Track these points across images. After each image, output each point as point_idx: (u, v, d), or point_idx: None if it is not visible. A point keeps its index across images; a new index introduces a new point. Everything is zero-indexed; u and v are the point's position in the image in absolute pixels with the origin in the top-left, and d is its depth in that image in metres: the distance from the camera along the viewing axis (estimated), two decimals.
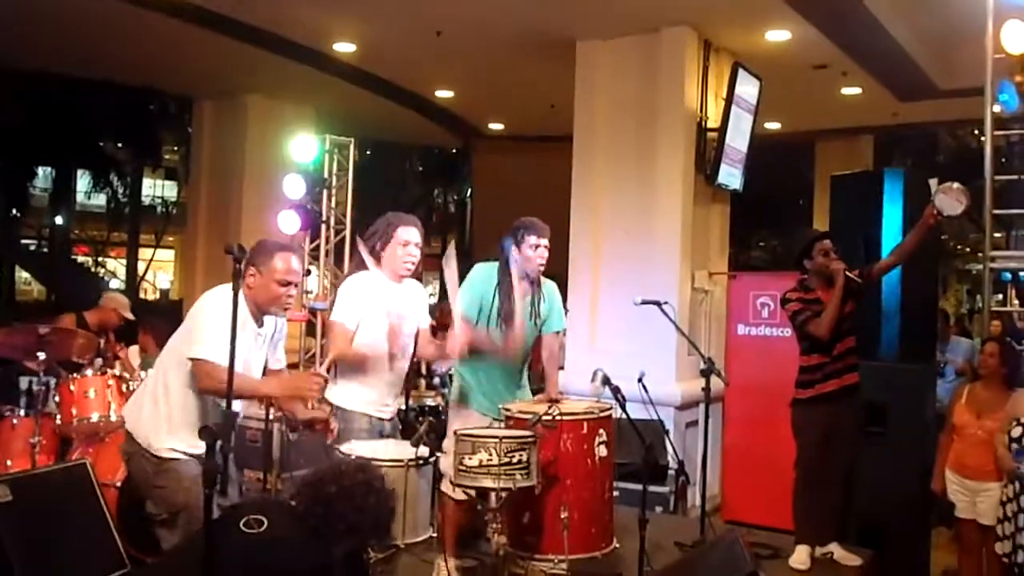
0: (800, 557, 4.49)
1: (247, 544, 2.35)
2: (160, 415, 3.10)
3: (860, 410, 4.65)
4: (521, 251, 4.15)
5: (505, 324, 4.12)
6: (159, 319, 6.10)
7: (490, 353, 4.08)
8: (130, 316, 6.05)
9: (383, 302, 3.82)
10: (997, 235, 6.43)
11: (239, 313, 3.01)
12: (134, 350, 6.02)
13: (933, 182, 4.40)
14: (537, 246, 4.15)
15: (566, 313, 7.20)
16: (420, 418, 4.84)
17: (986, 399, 4.62)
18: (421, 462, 3.20)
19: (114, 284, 23.93)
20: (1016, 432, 4.28)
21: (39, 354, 4.63)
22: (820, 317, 4.47)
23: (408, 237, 3.87)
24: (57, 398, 4.75)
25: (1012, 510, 4.26)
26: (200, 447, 3.02)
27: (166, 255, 27.03)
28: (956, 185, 4.29)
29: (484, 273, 4.21)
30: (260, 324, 3.19)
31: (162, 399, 3.12)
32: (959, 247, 20.89)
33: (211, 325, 3.00)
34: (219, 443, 2.27)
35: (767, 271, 14.75)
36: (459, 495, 3.70)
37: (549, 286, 4.36)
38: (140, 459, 3.11)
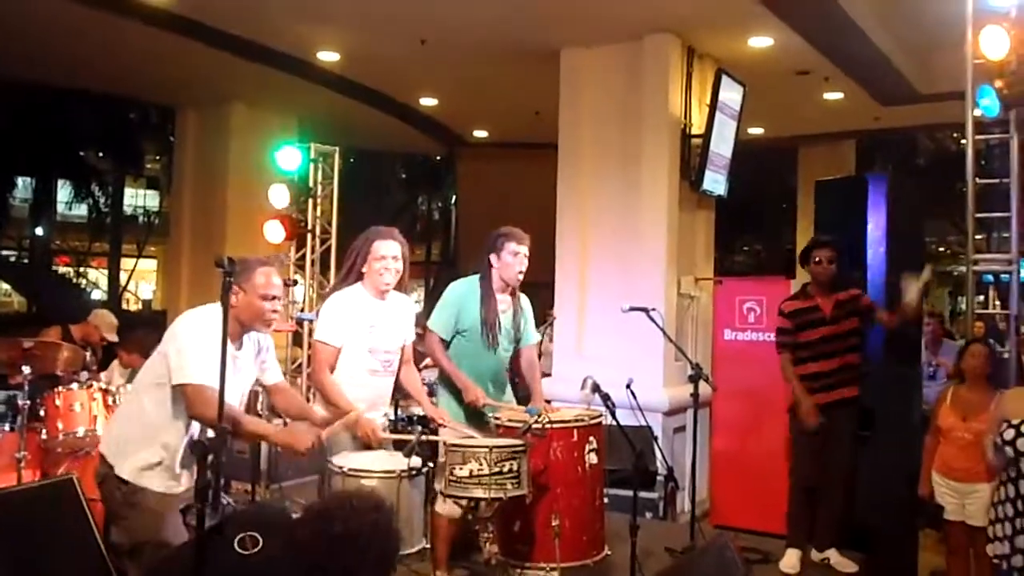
0: (790, 561, 4.51)
1: (239, 565, 2.30)
2: (138, 439, 3.02)
3: (855, 419, 4.66)
4: (500, 259, 4.16)
5: (490, 335, 4.14)
6: (139, 333, 6.06)
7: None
8: (112, 338, 5.92)
9: (366, 320, 3.81)
10: (978, 237, 6.48)
11: (214, 335, 2.95)
12: (113, 365, 5.97)
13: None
14: (516, 253, 4.17)
15: (554, 320, 7.28)
16: (410, 429, 4.82)
17: (972, 401, 4.63)
18: (414, 473, 3.19)
19: (96, 295, 23.78)
20: (1009, 435, 4.29)
21: (23, 368, 4.59)
22: (788, 354, 4.56)
23: (385, 251, 3.83)
24: (42, 412, 4.70)
25: (1006, 512, 4.28)
26: (172, 476, 3.02)
27: (148, 265, 26.88)
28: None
29: (461, 289, 4.24)
30: (239, 346, 3.12)
31: (136, 422, 3.05)
32: (941, 250, 21.08)
33: (195, 348, 2.94)
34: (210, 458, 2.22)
35: (752, 276, 14.83)
36: (453, 511, 3.70)
37: (524, 300, 4.39)
38: (110, 484, 3.03)
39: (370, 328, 3.80)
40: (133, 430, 3.05)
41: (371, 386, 3.83)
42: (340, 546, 2.28)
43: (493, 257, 4.20)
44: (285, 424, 3.78)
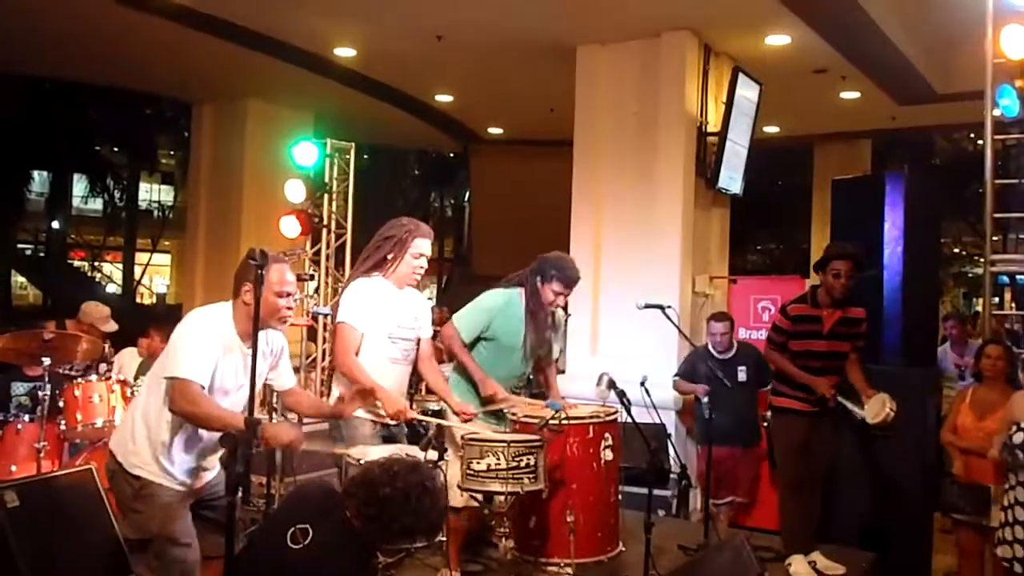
0: (802, 567, 4.46)
1: (294, 560, 2.35)
2: (142, 435, 3.03)
3: (833, 427, 4.62)
4: (544, 292, 4.11)
5: (528, 354, 4.12)
6: (162, 324, 6.06)
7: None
8: (110, 327, 5.72)
9: (387, 308, 3.80)
10: (995, 239, 6.44)
11: (224, 337, 3.00)
12: (130, 352, 5.98)
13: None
14: (560, 294, 4.12)
15: (568, 317, 7.28)
16: (424, 425, 4.81)
17: (989, 401, 4.64)
18: (430, 466, 3.19)
19: (110, 288, 23.93)
20: (1018, 438, 4.27)
21: (43, 359, 4.62)
22: (779, 354, 4.46)
23: (423, 250, 3.85)
24: (62, 403, 4.74)
25: (1015, 516, 4.27)
26: (180, 472, 3.03)
27: (162, 259, 27.04)
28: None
29: (501, 300, 4.16)
30: (249, 344, 3.00)
31: (140, 419, 3.06)
32: (956, 251, 20.97)
33: (189, 345, 2.94)
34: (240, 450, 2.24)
35: (765, 275, 14.77)
36: (458, 502, 3.70)
37: (560, 316, 4.41)
38: (121, 479, 3.05)
39: (390, 315, 3.79)
40: (139, 426, 3.06)
41: (391, 375, 3.80)
42: (391, 509, 2.34)
43: (539, 283, 4.12)
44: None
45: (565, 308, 7.31)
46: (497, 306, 4.14)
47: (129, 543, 3.12)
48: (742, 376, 5.66)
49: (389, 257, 3.81)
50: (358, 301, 3.77)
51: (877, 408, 4.36)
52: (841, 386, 4.50)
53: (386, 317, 3.79)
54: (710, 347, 5.80)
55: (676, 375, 5.97)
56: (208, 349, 2.95)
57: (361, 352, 3.76)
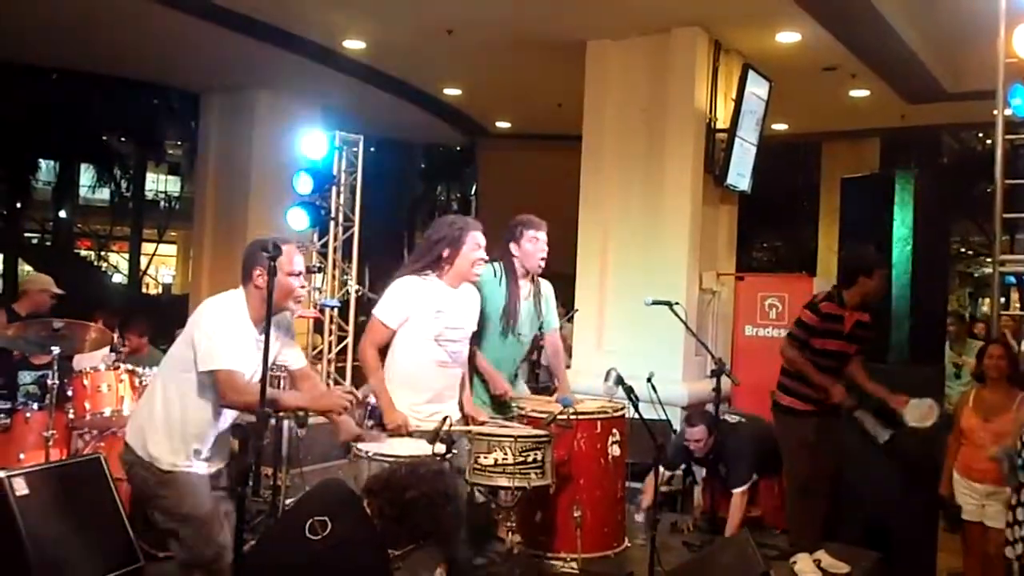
0: (807, 566, 4.46)
1: (311, 551, 2.37)
2: (160, 426, 3.03)
3: (841, 429, 4.62)
4: (521, 247, 4.16)
5: (510, 323, 4.14)
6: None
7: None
8: (58, 291, 5.68)
9: (433, 306, 3.68)
10: (1003, 239, 6.42)
11: (239, 321, 3.02)
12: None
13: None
14: (536, 239, 4.16)
15: (575, 312, 7.28)
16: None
17: (993, 402, 4.62)
18: (439, 459, 3.20)
19: (116, 278, 23.99)
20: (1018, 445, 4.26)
21: (53, 348, 4.63)
22: (799, 353, 4.45)
23: (480, 241, 3.76)
24: (70, 392, 4.75)
25: (1021, 515, 4.26)
26: (201, 458, 3.05)
27: (168, 250, 27.09)
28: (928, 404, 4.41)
29: (484, 274, 4.14)
30: (262, 330, 3.00)
31: (161, 411, 3.05)
32: (963, 250, 20.90)
33: (222, 334, 2.95)
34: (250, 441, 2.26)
35: (770, 272, 14.76)
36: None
37: (546, 285, 4.38)
38: (140, 469, 3.05)
39: (437, 315, 3.67)
40: (158, 418, 3.05)
41: (439, 378, 3.71)
42: (413, 513, 2.37)
43: (513, 246, 4.19)
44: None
45: (571, 307, 7.41)
46: (483, 279, 4.10)
47: (163, 529, 3.10)
48: (722, 470, 5.02)
49: (444, 255, 3.71)
50: (399, 299, 3.68)
51: (921, 413, 4.41)
52: (861, 399, 4.51)
53: (434, 319, 3.68)
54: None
55: (666, 471, 5.24)
56: (239, 337, 2.97)
57: (406, 354, 3.68)
